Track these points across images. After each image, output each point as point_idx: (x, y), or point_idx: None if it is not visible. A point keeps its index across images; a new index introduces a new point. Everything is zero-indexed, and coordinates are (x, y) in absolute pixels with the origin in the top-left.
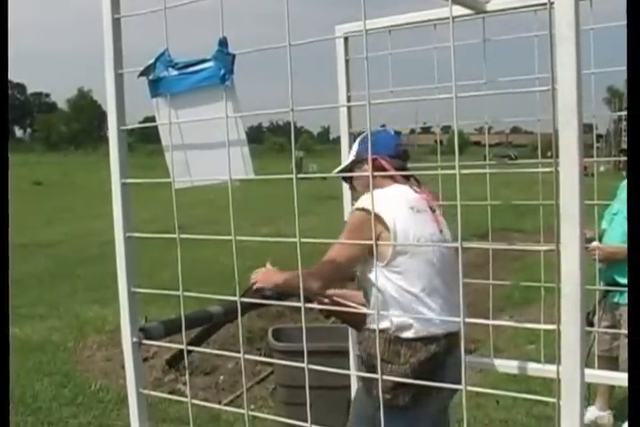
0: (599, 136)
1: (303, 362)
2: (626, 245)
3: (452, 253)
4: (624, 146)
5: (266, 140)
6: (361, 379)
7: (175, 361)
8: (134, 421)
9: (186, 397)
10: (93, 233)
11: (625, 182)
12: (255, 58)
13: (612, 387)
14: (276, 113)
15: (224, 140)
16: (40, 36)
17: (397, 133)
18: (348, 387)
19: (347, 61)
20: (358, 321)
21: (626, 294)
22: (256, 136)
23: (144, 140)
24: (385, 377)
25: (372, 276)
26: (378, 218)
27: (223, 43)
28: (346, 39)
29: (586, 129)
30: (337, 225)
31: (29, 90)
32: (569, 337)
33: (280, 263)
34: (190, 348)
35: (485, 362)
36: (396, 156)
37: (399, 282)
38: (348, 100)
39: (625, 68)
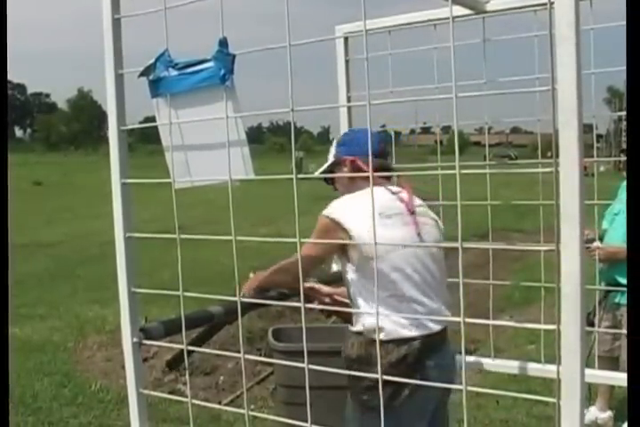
0: (599, 136)
1: (303, 362)
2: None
3: (439, 254)
4: (624, 146)
5: (266, 140)
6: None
7: (175, 363)
8: (134, 421)
9: (186, 397)
10: (93, 233)
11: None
12: (255, 58)
13: (613, 387)
14: (276, 113)
15: (224, 140)
16: (40, 36)
17: (382, 132)
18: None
19: (347, 62)
20: None
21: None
22: (256, 136)
23: (144, 140)
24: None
25: (347, 278)
26: (339, 226)
27: (223, 43)
28: (346, 39)
29: (586, 129)
30: None
31: (29, 90)
32: (569, 337)
33: None
34: (191, 348)
35: (486, 362)
36: (375, 154)
37: (368, 286)
38: (349, 100)
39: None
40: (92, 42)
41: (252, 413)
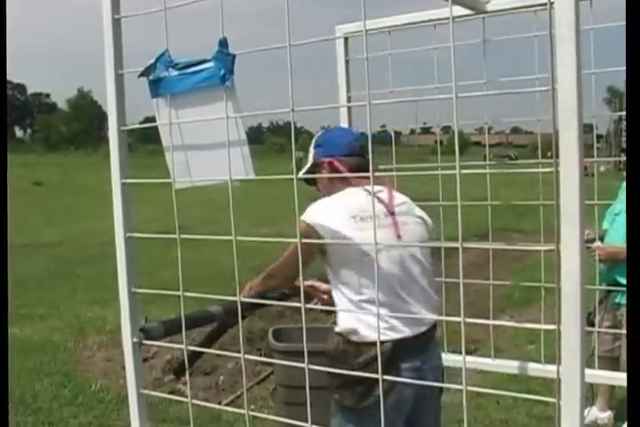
0: (599, 136)
1: (303, 362)
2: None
3: (422, 254)
4: (625, 146)
5: (266, 140)
6: None
7: (182, 371)
8: (134, 421)
9: (186, 397)
10: (93, 233)
11: None
12: (255, 58)
13: (613, 387)
14: (277, 113)
15: (224, 140)
16: (40, 36)
17: (359, 130)
18: None
19: (347, 62)
20: None
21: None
22: (256, 136)
23: (144, 140)
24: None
25: (329, 280)
26: (314, 231)
27: (223, 43)
28: (346, 39)
29: (586, 129)
30: None
31: (29, 90)
32: (569, 337)
33: None
34: (191, 348)
35: (486, 362)
36: (351, 153)
37: (344, 290)
38: (349, 100)
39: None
40: (93, 42)
41: (252, 413)
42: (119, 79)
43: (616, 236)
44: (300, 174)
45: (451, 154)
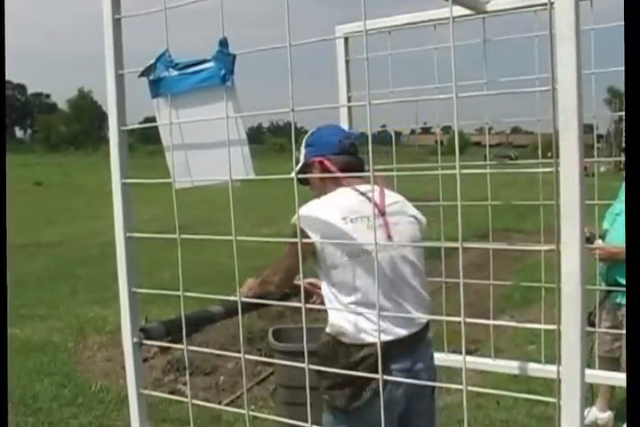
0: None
1: (303, 362)
2: None
3: (414, 253)
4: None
5: (266, 140)
6: None
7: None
8: (134, 421)
9: (186, 397)
10: (94, 233)
11: None
12: (256, 58)
13: (613, 388)
14: (277, 113)
15: (224, 140)
16: (41, 36)
17: (350, 128)
18: None
19: (347, 62)
20: None
21: None
22: (256, 136)
23: (144, 140)
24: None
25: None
26: (304, 234)
27: (223, 43)
28: (346, 39)
29: (586, 129)
30: None
31: (30, 90)
32: (569, 337)
33: None
34: (191, 348)
35: (486, 362)
36: (341, 152)
37: (333, 291)
38: (349, 100)
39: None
40: (93, 42)
41: (252, 413)
42: (119, 79)
43: (617, 236)
44: (292, 174)
45: (451, 154)
